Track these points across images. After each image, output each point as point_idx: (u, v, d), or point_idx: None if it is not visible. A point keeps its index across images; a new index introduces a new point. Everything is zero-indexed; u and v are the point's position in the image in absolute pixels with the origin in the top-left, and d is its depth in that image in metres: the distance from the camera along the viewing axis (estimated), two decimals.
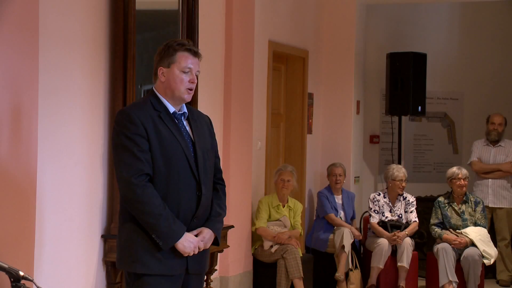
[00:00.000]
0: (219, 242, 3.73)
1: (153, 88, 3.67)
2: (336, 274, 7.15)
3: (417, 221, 7.43)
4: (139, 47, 5.00)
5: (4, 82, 4.29)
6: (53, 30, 4.38)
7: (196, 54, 3.64)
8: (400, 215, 7.45)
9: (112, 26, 4.89)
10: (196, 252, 3.57)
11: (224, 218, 3.80)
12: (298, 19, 7.83)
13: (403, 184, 7.46)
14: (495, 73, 9.55)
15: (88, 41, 4.71)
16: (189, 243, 3.54)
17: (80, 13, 4.64)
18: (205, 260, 3.76)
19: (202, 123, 3.76)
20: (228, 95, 6.53)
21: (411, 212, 7.45)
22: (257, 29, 6.78)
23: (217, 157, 3.83)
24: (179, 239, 3.51)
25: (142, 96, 5.11)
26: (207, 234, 3.63)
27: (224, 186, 3.84)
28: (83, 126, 4.67)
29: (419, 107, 8.43)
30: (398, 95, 8.36)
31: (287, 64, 7.98)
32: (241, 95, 6.60)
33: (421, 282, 7.58)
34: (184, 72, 3.59)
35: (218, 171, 3.81)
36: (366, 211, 7.79)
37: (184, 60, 3.59)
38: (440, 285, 7.04)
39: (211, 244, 3.69)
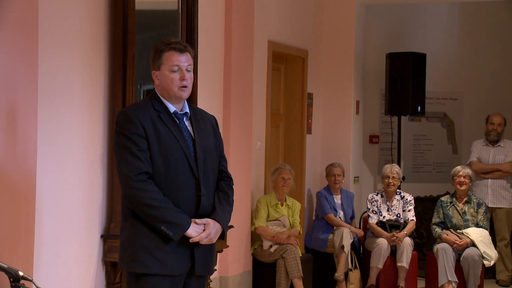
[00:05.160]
0: (225, 235, 3.70)
1: (155, 89, 3.69)
2: (336, 274, 7.16)
3: (415, 220, 7.42)
4: (139, 47, 5.00)
5: (4, 81, 4.29)
6: (52, 30, 4.38)
7: (182, 50, 3.61)
8: (398, 214, 7.46)
9: (111, 26, 4.89)
10: (199, 240, 3.54)
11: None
12: (297, 19, 7.83)
13: (391, 181, 7.45)
14: (494, 73, 9.55)
15: (88, 41, 4.71)
16: (198, 228, 3.54)
17: (79, 13, 4.64)
18: (213, 262, 3.75)
19: (206, 123, 3.75)
20: (227, 95, 6.53)
21: (409, 211, 7.45)
22: (256, 29, 6.78)
23: (222, 157, 3.81)
24: (189, 226, 3.50)
25: (142, 96, 5.12)
26: (212, 228, 3.59)
27: (231, 180, 3.81)
28: (82, 126, 4.67)
29: (419, 107, 8.43)
30: (397, 95, 8.37)
31: (287, 64, 7.98)
32: (240, 95, 6.60)
33: (421, 282, 7.58)
34: (173, 71, 3.59)
35: (223, 171, 3.79)
36: (365, 211, 7.79)
37: (171, 59, 3.58)
38: (440, 285, 7.04)
39: (218, 238, 3.65)
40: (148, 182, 3.49)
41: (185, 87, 3.60)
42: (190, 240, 3.53)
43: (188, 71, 3.62)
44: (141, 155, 3.49)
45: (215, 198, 3.69)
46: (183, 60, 3.60)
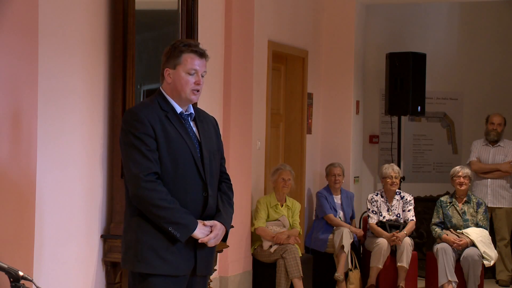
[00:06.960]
0: (227, 237, 3.72)
1: (160, 88, 3.69)
2: (336, 274, 7.16)
3: (414, 220, 7.43)
4: (139, 47, 5.00)
5: (4, 82, 4.30)
6: (52, 30, 4.38)
7: (202, 55, 3.65)
8: (398, 214, 7.46)
9: (111, 26, 4.89)
10: (206, 241, 3.56)
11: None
12: (297, 19, 7.83)
13: (394, 181, 7.46)
14: (494, 73, 9.55)
15: (88, 41, 4.71)
16: (204, 229, 3.55)
17: (79, 13, 4.64)
18: (212, 262, 3.76)
19: (208, 124, 3.78)
20: (227, 95, 6.53)
21: (408, 211, 7.46)
22: (256, 29, 6.78)
23: (223, 158, 3.84)
24: (196, 228, 3.52)
25: (142, 96, 5.12)
26: (219, 230, 3.62)
27: (230, 181, 3.84)
28: (82, 126, 4.67)
29: (419, 107, 8.43)
30: (397, 95, 8.37)
31: (287, 64, 7.98)
32: (240, 95, 6.60)
33: (421, 282, 7.59)
34: (190, 74, 3.61)
35: (223, 173, 3.81)
36: (365, 211, 7.79)
37: (190, 61, 3.60)
38: (440, 285, 7.04)
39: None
40: (157, 183, 3.49)
41: (198, 91, 3.64)
42: (199, 241, 3.54)
43: (202, 76, 3.65)
44: (150, 155, 3.50)
45: (218, 199, 3.71)
46: (201, 65, 3.63)
